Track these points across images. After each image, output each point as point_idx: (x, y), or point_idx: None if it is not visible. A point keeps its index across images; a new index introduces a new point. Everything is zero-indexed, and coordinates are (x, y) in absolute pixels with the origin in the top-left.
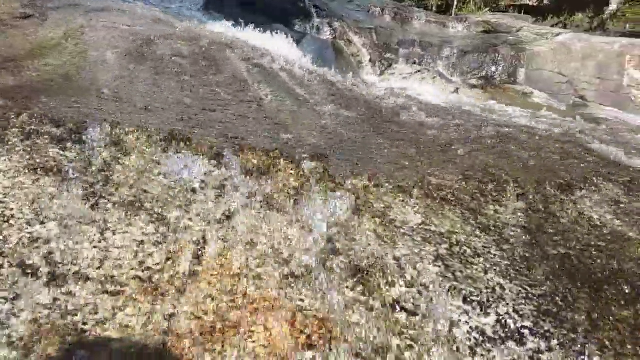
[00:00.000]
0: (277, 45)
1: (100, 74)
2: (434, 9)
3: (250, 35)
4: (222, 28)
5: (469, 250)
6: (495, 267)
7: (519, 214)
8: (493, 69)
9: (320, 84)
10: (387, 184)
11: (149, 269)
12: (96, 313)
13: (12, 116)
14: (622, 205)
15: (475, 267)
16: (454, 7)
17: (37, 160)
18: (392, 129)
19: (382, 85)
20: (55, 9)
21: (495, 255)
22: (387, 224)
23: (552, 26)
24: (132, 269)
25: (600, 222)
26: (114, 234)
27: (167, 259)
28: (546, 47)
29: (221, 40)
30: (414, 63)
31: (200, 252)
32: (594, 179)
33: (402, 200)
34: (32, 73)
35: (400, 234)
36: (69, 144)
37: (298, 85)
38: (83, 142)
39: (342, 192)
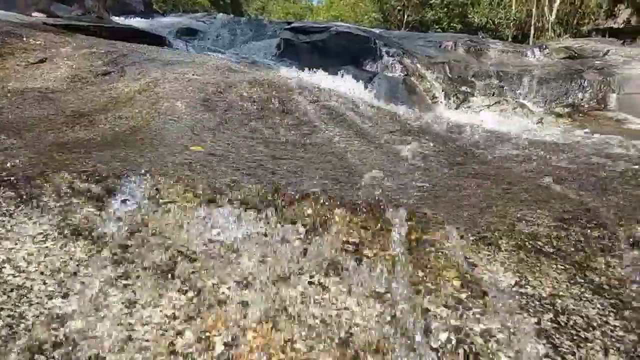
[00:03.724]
0: (347, 86)
1: (167, 124)
2: (510, 39)
3: (321, 79)
4: (293, 73)
5: (580, 321)
6: (618, 345)
7: (639, 266)
8: (580, 95)
9: (391, 122)
10: (469, 235)
11: (177, 352)
12: None
13: (51, 173)
14: None
15: (590, 345)
16: (531, 35)
17: (69, 222)
18: (472, 166)
19: (458, 120)
20: (133, 64)
21: (615, 326)
22: (471, 287)
23: None
24: (158, 352)
25: None
26: (143, 307)
27: (199, 340)
28: (639, 69)
29: (291, 85)
30: (492, 95)
31: (237, 331)
32: None
33: (489, 255)
34: (104, 126)
35: (489, 299)
36: (105, 202)
37: (367, 124)
38: (122, 199)
39: (408, 248)
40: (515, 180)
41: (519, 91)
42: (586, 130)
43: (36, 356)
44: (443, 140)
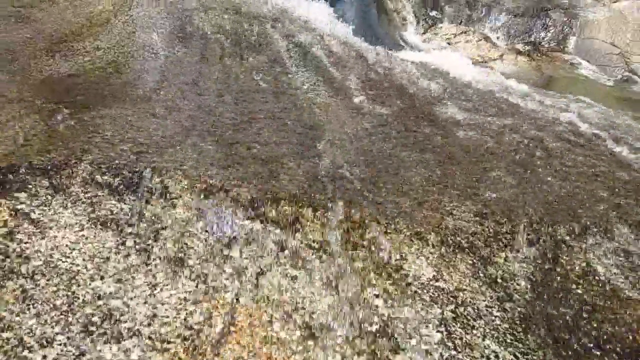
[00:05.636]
0: (320, 12)
1: (147, 63)
2: None
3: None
4: None
5: (472, 312)
6: (493, 332)
7: (529, 263)
8: (542, 34)
9: (359, 66)
10: (405, 230)
11: (190, 327)
12: None
13: (74, 162)
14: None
15: (475, 331)
16: None
17: (97, 214)
18: (424, 131)
19: (422, 61)
20: None
21: (496, 317)
22: (399, 281)
23: None
24: (177, 327)
25: (605, 278)
26: (162, 290)
27: (206, 319)
28: (601, 14)
29: (265, 13)
30: (460, 23)
31: (233, 313)
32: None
33: (418, 250)
34: (85, 58)
35: (411, 292)
36: (124, 196)
37: (335, 69)
38: (136, 193)
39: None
40: (455, 158)
41: (486, 23)
42: (542, 83)
43: (90, 328)
44: (402, 95)
